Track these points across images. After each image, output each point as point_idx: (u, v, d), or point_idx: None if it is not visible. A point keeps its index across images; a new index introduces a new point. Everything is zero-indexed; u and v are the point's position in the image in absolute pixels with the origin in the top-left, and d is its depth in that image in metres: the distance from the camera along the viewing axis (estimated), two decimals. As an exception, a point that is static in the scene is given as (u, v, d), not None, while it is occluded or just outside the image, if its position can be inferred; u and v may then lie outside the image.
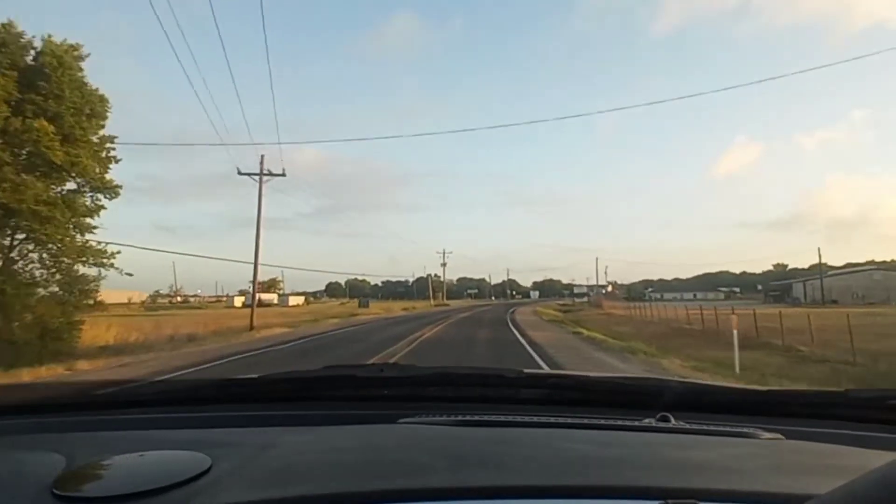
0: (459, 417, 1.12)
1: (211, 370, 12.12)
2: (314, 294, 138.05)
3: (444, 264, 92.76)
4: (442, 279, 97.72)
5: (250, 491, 0.72)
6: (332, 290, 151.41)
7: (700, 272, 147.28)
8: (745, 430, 1.07)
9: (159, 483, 0.74)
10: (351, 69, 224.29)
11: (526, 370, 1.42)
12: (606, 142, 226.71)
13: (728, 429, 1.08)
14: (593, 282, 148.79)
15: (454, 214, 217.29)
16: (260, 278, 27.30)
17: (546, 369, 9.96)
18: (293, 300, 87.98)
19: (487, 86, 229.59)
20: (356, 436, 1.01)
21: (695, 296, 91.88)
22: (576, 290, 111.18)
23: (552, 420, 1.13)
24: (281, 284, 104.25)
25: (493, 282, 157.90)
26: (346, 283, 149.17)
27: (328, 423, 1.13)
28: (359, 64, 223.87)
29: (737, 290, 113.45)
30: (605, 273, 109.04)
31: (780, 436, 1.05)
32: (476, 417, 1.13)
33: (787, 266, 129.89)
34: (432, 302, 73.58)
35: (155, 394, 1.41)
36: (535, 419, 1.13)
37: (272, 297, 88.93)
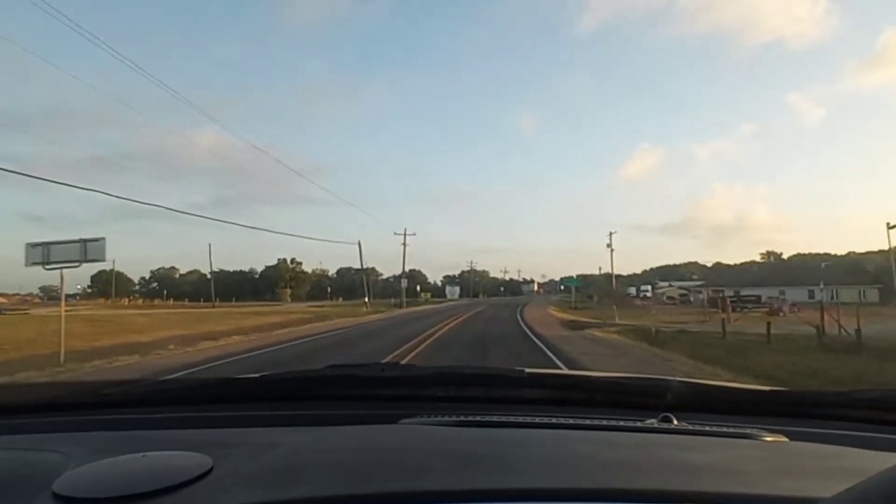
0: (461, 418, 1.11)
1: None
2: (23, 296, 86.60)
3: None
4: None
5: (252, 492, 0.72)
6: (102, 283, 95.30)
7: (655, 265, 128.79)
8: (747, 431, 1.05)
9: (161, 484, 0.74)
10: (259, 47, 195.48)
11: (528, 370, 1.41)
12: (522, 140, 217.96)
13: (730, 430, 1.06)
14: (525, 277, 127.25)
15: (362, 209, 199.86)
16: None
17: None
18: None
19: (404, 78, 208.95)
20: (358, 436, 1.00)
21: (782, 293, 49.01)
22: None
23: (554, 420, 1.12)
24: None
25: (388, 274, 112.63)
26: (152, 273, 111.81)
27: (330, 423, 1.12)
28: (266, 42, 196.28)
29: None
30: (611, 251, 77.48)
31: (783, 437, 1.03)
32: (478, 418, 1.12)
33: (780, 254, 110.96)
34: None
35: (156, 393, 1.41)
36: (538, 420, 1.12)
37: None
